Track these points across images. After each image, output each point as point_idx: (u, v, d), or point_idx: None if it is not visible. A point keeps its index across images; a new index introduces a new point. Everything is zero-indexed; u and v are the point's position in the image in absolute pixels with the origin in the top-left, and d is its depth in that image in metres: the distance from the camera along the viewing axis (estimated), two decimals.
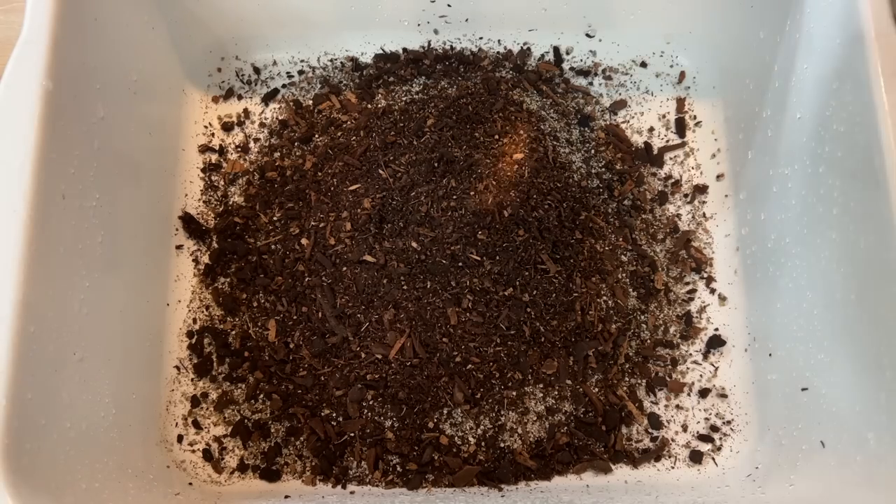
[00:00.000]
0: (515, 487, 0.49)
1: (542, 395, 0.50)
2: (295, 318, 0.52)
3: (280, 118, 0.58)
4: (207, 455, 0.51)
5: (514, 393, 0.50)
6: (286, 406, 0.51)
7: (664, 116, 0.59)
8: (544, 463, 0.50)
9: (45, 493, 0.37)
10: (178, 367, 0.52)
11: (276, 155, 0.57)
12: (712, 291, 0.55)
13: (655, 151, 0.58)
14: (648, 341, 0.53)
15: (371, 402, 0.50)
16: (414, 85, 0.58)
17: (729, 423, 0.51)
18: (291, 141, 0.58)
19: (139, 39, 0.51)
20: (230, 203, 0.56)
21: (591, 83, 0.59)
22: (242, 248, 0.54)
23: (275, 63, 0.59)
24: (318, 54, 0.59)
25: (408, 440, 0.50)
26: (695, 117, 0.59)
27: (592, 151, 0.57)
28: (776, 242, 0.50)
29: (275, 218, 0.55)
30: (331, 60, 0.59)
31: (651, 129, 0.58)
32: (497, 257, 0.50)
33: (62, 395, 0.40)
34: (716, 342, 0.53)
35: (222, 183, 0.57)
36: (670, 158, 0.58)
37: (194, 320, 0.54)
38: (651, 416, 0.51)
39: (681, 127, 0.58)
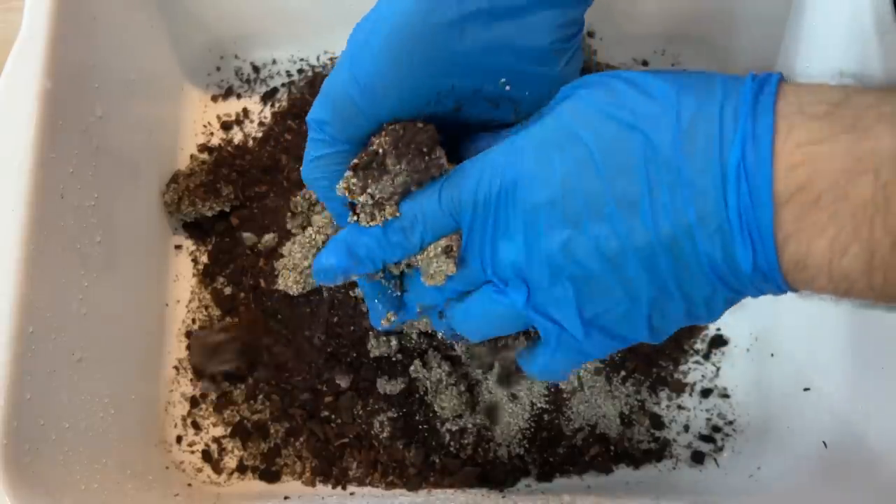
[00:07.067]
0: (516, 488, 0.49)
1: (542, 395, 0.50)
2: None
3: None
4: (206, 456, 0.50)
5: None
6: (285, 407, 0.51)
7: None
8: (544, 463, 0.50)
9: (43, 493, 0.37)
10: (177, 368, 0.52)
11: None
12: None
13: None
14: None
15: (359, 411, 0.50)
16: None
17: (731, 423, 0.51)
18: None
19: (138, 38, 0.51)
20: None
21: None
22: (241, 249, 0.54)
23: (274, 62, 0.59)
24: (317, 53, 0.59)
25: (402, 444, 0.49)
26: None
27: None
28: None
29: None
30: (330, 59, 0.59)
31: None
32: None
33: (61, 396, 0.40)
34: (718, 342, 0.53)
35: None
36: None
37: (193, 320, 0.53)
38: (652, 416, 0.51)
39: None
